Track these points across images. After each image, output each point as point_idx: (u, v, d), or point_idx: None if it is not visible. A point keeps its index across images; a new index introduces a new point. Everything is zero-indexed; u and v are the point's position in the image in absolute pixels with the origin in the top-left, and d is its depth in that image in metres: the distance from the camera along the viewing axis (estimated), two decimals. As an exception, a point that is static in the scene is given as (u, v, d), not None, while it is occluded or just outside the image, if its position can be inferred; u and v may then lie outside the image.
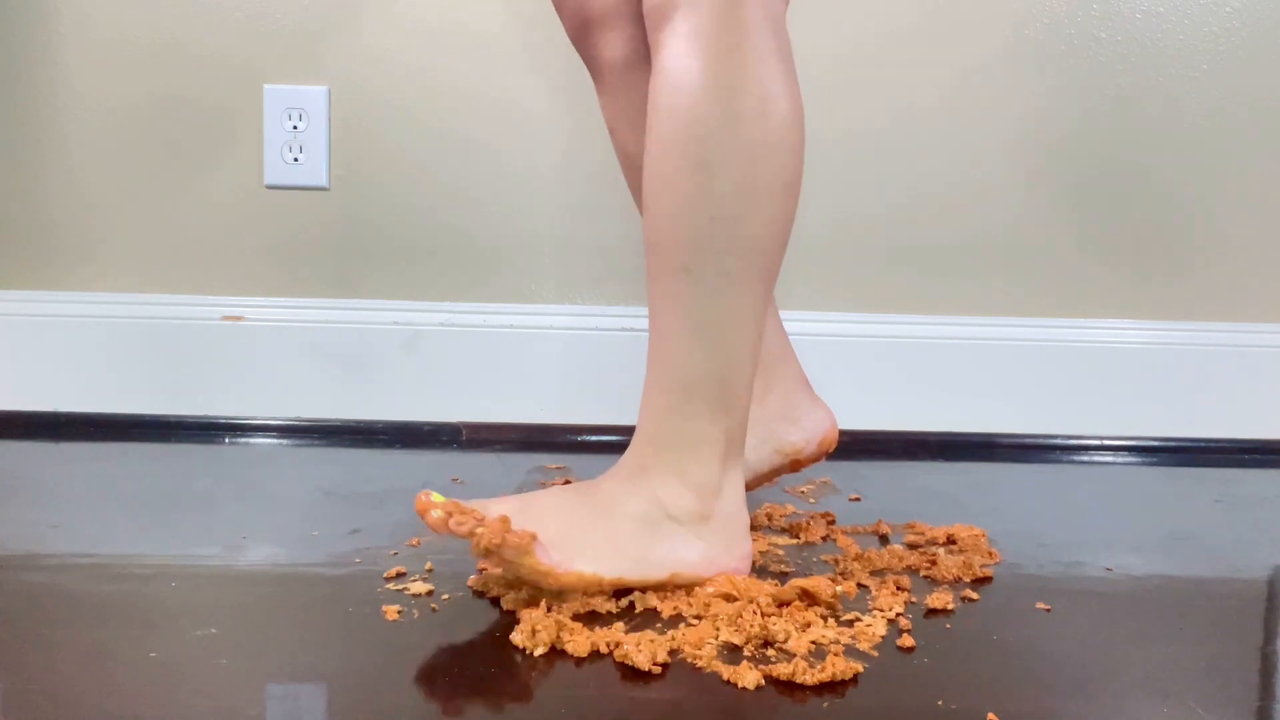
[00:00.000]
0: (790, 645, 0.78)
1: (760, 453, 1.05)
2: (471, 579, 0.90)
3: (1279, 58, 1.44)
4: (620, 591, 0.87)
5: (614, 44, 1.00)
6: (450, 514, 0.80)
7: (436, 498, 0.82)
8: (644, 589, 0.86)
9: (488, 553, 0.81)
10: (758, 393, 1.01)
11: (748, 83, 0.84)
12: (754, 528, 1.03)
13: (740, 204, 0.85)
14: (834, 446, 1.09)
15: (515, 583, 0.87)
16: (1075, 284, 1.46)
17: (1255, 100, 1.44)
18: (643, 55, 0.98)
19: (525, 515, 0.83)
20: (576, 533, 0.84)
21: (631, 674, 0.75)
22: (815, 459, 1.09)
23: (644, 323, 1.45)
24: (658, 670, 0.75)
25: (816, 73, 1.30)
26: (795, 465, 1.08)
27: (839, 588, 0.86)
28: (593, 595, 0.84)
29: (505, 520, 0.81)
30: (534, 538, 0.81)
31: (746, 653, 0.78)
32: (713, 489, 0.88)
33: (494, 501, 0.85)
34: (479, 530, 0.80)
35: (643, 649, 0.76)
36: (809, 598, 0.85)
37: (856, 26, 1.43)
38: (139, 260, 1.45)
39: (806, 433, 1.07)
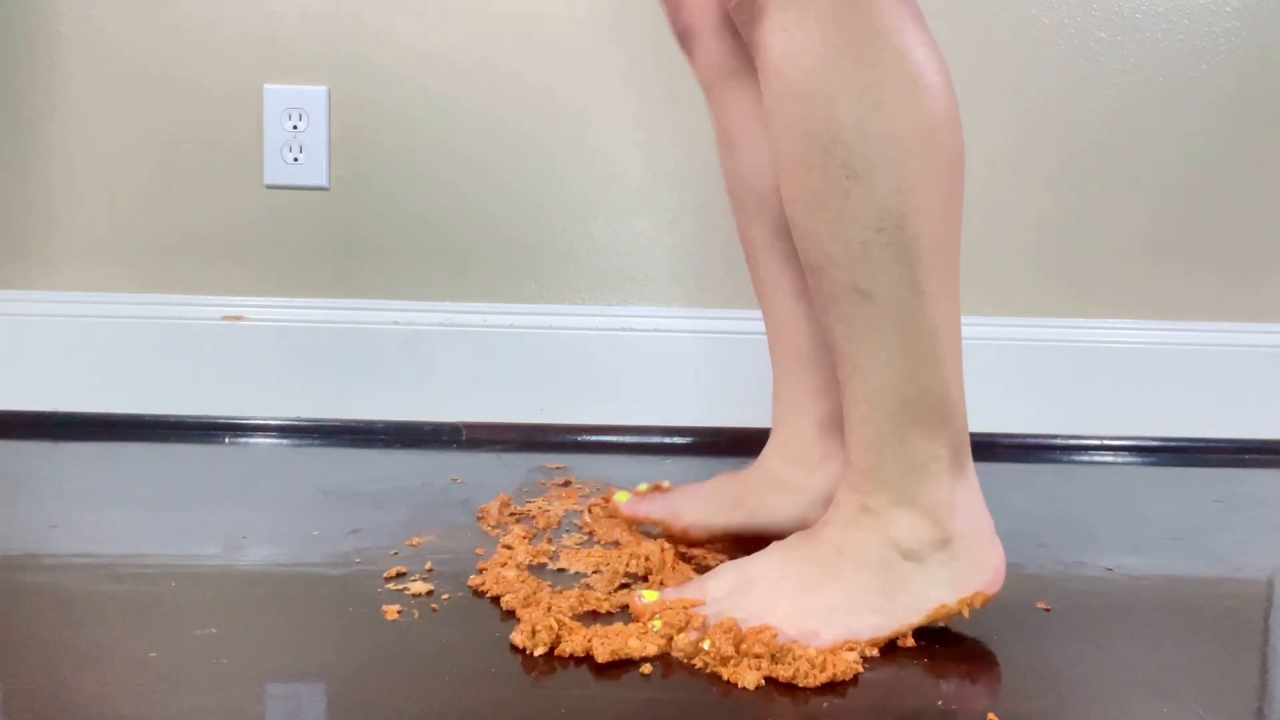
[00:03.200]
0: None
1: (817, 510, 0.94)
2: (471, 579, 0.90)
3: (1279, 58, 1.44)
4: (622, 586, 0.88)
5: (713, 52, 0.92)
6: (695, 639, 0.76)
7: (649, 596, 0.80)
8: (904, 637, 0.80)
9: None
10: (821, 457, 0.95)
11: (882, 62, 0.72)
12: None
13: (904, 203, 0.73)
14: None
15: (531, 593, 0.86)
16: (1076, 284, 1.46)
17: (1255, 100, 1.44)
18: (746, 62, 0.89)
19: (751, 597, 0.78)
20: (811, 602, 0.78)
21: (632, 674, 0.75)
22: None
23: (644, 322, 1.46)
24: (657, 670, 0.75)
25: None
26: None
27: None
28: (851, 665, 0.76)
29: (734, 626, 0.76)
30: (774, 635, 0.76)
31: (747, 653, 0.78)
32: (946, 507, 0.80)
33: (710, 578, 0.81)
34: (706, 646, 0.76)
35: (643, 648, 0.77)
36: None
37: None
38: (139, 260, 1.45)
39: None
